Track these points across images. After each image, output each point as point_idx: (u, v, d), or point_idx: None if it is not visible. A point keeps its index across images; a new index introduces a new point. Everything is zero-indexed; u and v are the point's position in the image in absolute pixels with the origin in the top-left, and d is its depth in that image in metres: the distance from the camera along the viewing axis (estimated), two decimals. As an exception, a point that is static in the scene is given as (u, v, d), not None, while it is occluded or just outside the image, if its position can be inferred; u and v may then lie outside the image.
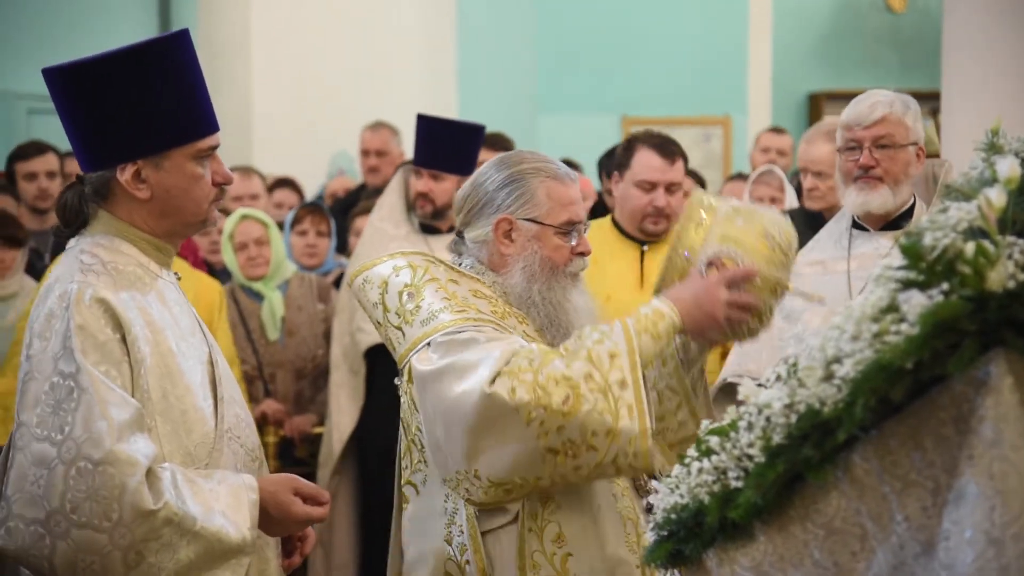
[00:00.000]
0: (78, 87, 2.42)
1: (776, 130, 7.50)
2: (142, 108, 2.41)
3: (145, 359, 2.38)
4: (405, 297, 2.58)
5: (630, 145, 4.36)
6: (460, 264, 2.69)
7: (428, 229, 4.99)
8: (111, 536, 2.24)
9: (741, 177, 7.06)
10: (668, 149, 4.28)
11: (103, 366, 2.31)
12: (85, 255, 2.44)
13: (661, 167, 4.25)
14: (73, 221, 2.50)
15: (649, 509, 2.65)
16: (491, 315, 2.56)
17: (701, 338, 2.66)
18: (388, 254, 2.70)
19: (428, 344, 2.51)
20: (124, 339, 2.36)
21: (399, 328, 2.58)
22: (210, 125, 2.49)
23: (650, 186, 4.26)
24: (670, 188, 4.27)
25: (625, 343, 2.44)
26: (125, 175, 2.44)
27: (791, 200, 6.08)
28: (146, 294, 2.46)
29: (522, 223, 2.64)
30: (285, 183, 7.20)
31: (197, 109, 2.47)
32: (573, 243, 2.67)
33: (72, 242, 2.50)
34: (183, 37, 2.47)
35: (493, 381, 2.39)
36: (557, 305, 2.64)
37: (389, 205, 5.11)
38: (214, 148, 2.50)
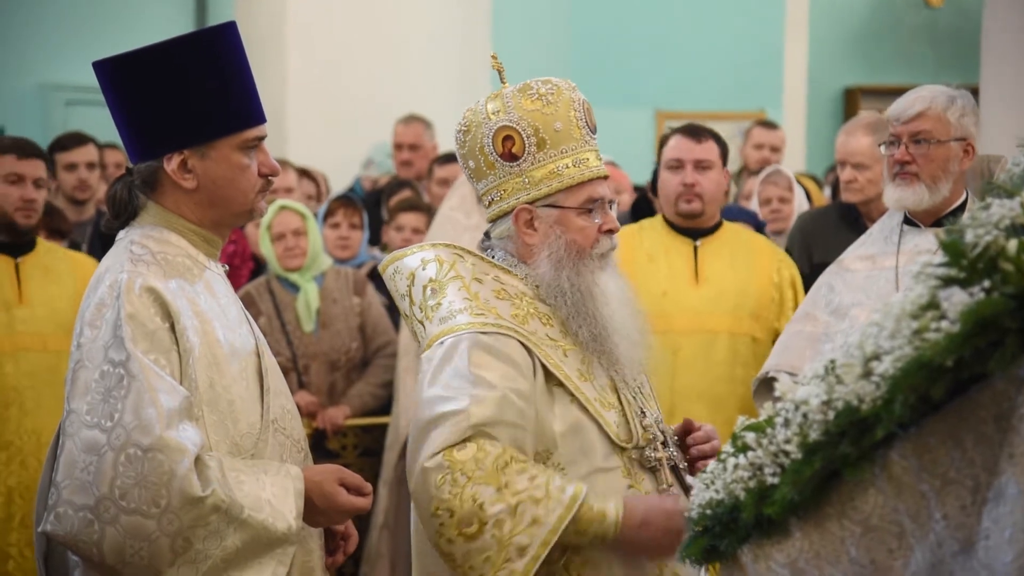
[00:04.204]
0: (128, 78, 2.44)
1: (768, 124, 7.27)
2: (188, 98, 2.43)
3: (193, 349, 2.40)
4: (428, 292, 2.58)
5: (664, 139, 4.41)
6: (493, 257, 2.66)
7: None
8: (159, 522, 2.26)
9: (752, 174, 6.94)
10: (695, 131, 4.31)
11: (153, 354, 2.34)
12: (135, 246, 2.46)
13: (688, 146, 4.27)
14: (122, 213, 2.52)
15: None
16: (511, 319, 2.54)
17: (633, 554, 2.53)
18: (418, 245, 2.69)
19: (441, 343, 2.51)
20: (173, 328, 2.38)
21: (421, 323, 2.59)
22: (256, 116, 2.51)
23: (677, 163, 4.27)
24: (699, 166, 4.27)
25: (555, 520, 2.41)
26: (171, 165, 2.46)
27: (800, 199, 6.01)
28: (194, 284, 2.48)
29: (541, 209, 2.59)
30: (304, 174, 7.07)
31: (243, 100, 2.48)
32: (598, 221, 2.60)
33: (122, 233, 2.52)
34: (231, 28, 2.50)
35: (436, 454, 2.40)
36: (585, 292, 2.58)
37: (461, 195, 5.11)
38: (260, 139, 2.52)
